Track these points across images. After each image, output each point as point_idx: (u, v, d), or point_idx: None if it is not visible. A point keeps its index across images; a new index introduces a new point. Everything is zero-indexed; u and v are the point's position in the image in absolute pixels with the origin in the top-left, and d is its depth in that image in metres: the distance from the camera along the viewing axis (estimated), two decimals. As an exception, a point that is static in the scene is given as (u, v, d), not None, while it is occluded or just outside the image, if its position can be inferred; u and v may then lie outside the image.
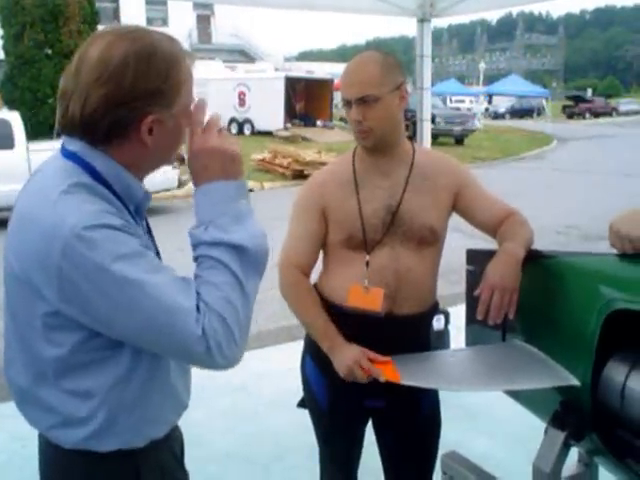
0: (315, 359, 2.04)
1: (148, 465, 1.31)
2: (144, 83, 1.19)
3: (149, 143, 1.23)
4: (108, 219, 1.15)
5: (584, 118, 44.44)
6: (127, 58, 1.18)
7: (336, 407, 2.05)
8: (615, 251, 1.68)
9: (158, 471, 1.34)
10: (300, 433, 2.27)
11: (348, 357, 1.79)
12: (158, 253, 1.41)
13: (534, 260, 1.86)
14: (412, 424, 2.06)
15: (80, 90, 1.19)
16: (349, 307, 1.92)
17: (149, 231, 1.41)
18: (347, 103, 1.85)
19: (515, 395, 2.02)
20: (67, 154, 1.25)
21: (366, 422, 2.12)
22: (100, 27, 16.86)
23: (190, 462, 1.53)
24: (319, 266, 2.06)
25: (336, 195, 1.93)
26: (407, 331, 1.94)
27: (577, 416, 1.67)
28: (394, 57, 1.91)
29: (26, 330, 1.22)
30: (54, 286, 1.14)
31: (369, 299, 1.89)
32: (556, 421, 1.70)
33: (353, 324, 1.89)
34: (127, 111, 1.19)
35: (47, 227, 1.13)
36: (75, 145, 1.24)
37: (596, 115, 45.25)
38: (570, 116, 45.15)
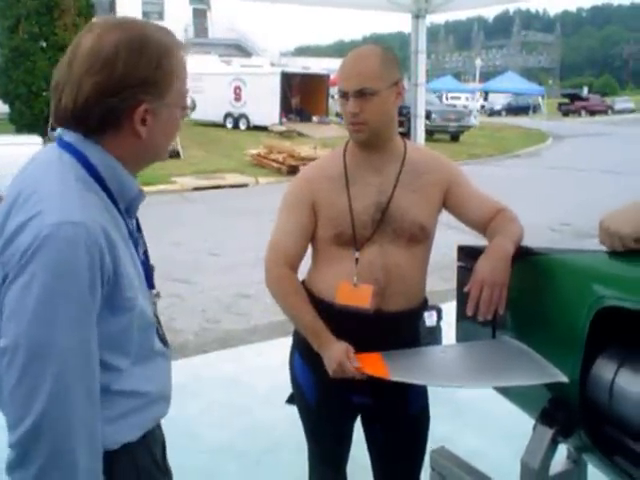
0: (303, 356, 2.04)
1: (122, 467, 1.28)
2: (135, 72, 1.19)
3: (143, 134, 1.24)
4: (91, 236, 1.13)
5: (580, 116, 44.50)
6: (118, 47, 1.18)
7: (324, 403, 2.05)
8: (605, 248, 1.69)
9: (133, 473, 1.32)
10: (293, 428, 2.27)
11: (336, 355, 1.78)
12: (146, 252, 1.40)
13: (524, 257, 1.87)
14: (400, 422, 2.06)
15: (72, 81, 1.19)
16: (338, 304, 1.91)
17: (139, 229, 1.40)
18: (344, 95, 1.83)
19: (504, 391, 2.03)
20: (63, 145, 1.24)
21: (354, 418, 2.12)
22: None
23: (182, 454, 1.53)
24: (307, 262, 2.05)
25: (326, 191, 1.92)
26: (396, 328, 1.93)
27: (565, 413, 1.67)
28: (393, 53, 1.89)
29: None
30: (7, 262, 1.13)
31: (358, 295, 1.89)
32: (544, 418, 1.71)
33: (342, 321, 1.88)
34: (118, 100, 1.19)
35: (32, 214, 1.13)
36: (71, 136, 1.24)
37: (592, 113, 45.30)
38: (566, 114, 45.21)
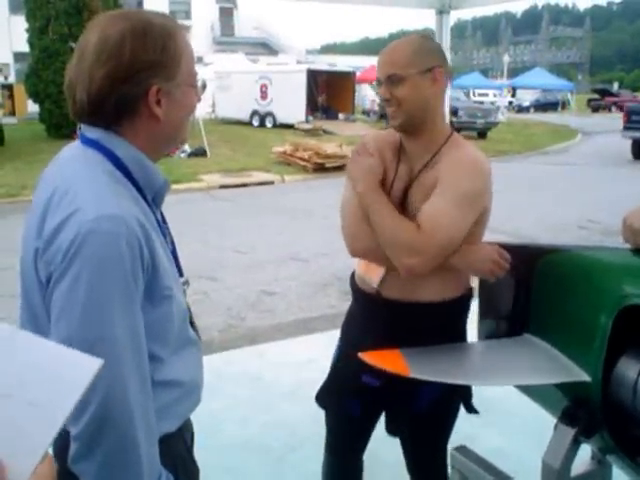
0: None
1: (163, 458, 1.29)
2: (142, 56, 1.22)
3: (160, 115, 1.26)
4: (130, 228, 1.16)
5: (610, 112, 43.77)
6: (123, 35, 1.22)
7: (336, 375, 2.12)
8: (628, 246, 1.67)
9: (171, 463, 1.33)
10: (316, 425, 2.27)
11: (490, 250, 1.81)
12: (173, 243, 1.42)
13: (548, 254, 1.85)
14: (408, 414, 2.04)
15: (83, 76, 1.22)
16: (366, 290, 1.97)
17: (164, 221, 1.42)
18: (379, 82, 1.88)
19: (526, 390, 2.01)
20: (87, 141, 1.27)
21: (362, 401, 2.08)
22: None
23: (206, 451, 1.54)
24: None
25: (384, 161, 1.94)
26: (392, 316, 1.92)
27: (587, 413, 1.65)
28: (432, 40, 1.92)
29: (40, 313, 1.23)
30: (50, 261, 1.15)
31: (370, 269, 1.94)
32: (566, 417, 1.69)
33: (373, 309, 1.97)
34: (131, 86, 1.22)
35: (69, 212, 1.15)
36: (94, 133, 1.26)
37: (622, 109, 44.44)
38: (595, 110, 44.54)
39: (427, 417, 2.04)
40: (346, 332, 2.12)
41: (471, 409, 2.07)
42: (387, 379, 1.93)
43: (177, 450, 1.38)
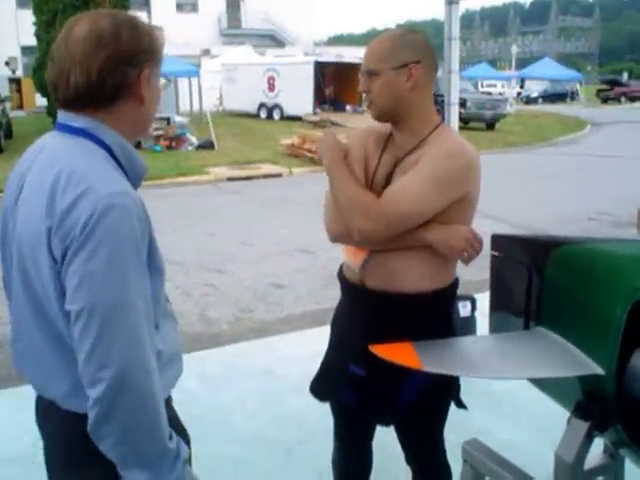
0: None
1: None
2: (138, 42, 1.33)
3: (146, 98, 1.35)
4: (137, 203, 1.25)
5: (619, 103, 43.48)
6: (117, 25, 1.31)
7: (326, 366, 2.15)
8: (643, 238, 1.65)
9: (170, 425, 1.35)
10: (325, 418, 2.27)
11: (465, 230, 1.82)
12: None
13: (561, 246, 1.83)
14: (393, 407, 2.02)
15: (79, 61, 1.28)
16: (348, 277, 2.02)
17: None
18: (362, 75, 1.93)
19: (539, 383, 1.99)
20: (74, 130, 1.33)
21: (355, 390, 2.04)
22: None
23: (215, 444, 1.54)
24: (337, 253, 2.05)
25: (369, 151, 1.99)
26: (375, 306, 1.93)
27: (601, 406, 1.64)
28: (414, 36, 1.89)
29: (42, 294, 1.27)
30: (66, 236, 1.19)
31: (353, 252, 1.95)
32: (579, 411, 1.68)
33: (346, 293, 2.04)
34: (131, 67, 1.31)
35: (80, 190, 1.21)
36: (79, 121, 1.32)
37: (632, 99, 44.18)
38: (605, 100, 44.21)
39: (413, 411, 2.00)
40: (334, 323, 2.17)
41: (460, 404, 2.06)
42: (371, 369, 1.94)
43: (172, 417, 1.43)
